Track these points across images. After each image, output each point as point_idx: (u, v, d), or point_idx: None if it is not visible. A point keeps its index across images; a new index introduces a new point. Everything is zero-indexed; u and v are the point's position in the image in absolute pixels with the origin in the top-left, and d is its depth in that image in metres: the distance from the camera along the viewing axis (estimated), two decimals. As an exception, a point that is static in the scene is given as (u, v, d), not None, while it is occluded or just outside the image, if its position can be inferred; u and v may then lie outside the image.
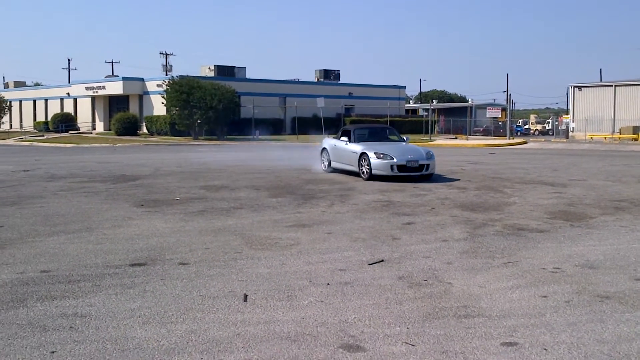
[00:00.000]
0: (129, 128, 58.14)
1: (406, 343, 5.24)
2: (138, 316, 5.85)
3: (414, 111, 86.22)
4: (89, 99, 69.06)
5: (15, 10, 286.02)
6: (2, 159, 28.94)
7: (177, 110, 52.25)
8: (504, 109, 70.15)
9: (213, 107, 50.59)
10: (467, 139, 55.47)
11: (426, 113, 71.72)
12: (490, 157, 30.63)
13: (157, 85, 58.15)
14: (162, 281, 7.06)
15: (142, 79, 63.90)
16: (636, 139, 57.83)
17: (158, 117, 57.95)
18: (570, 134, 67.35)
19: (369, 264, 7.92)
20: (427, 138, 53.56)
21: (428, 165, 17.74)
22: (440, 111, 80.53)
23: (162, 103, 54.35)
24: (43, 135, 60.73)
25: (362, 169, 17.86)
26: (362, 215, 11.72)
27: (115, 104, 67.27)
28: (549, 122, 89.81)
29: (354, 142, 18.87)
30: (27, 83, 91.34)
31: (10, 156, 31.55)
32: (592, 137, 62.04)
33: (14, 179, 18.43)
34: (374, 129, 21.45)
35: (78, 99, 70.67)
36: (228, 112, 52.40)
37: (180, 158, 28.45)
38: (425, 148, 19.38)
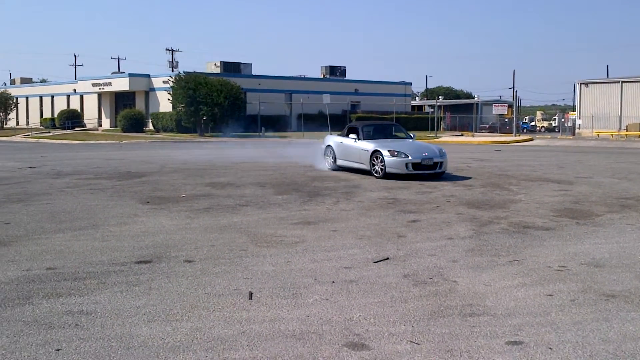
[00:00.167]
0: (135, 125, 58.19)
1: (411, 342, 5.24)
2: (143, 314, 5.87)
3: (420, 108, 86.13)
4: (95, 96, 69.15)
5: (22, 6, 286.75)
6: (9, 155, 29.03)
7: (183, 106, 52.29)
8: (510, 106, 70.01)
9: (219, 103, 50.62)
10: (473, 136, 55.40)
11: (432, 110, 71.65)
12: (496, 154, 30.57)
13: (163, 82, 58.12)
14: (167, 279, 7.07)
15: (148, 76, 63.93)
16: (643, 136, 57.58)
17: (164, 113, 57.98)
18: (577, 130, 67.15)
19: (374, 262, 7.92)
20: (433, 135, 53.48)
21: (442, 163, 17.63)
22: (446, 108, 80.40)
23: (168, 100, 54.39)
24: (49, 132, 60.87)
25: (374, 167, 17.63)
26: (367, 213, 11.71)
27: (122, 100, 67.33)
28: (555, 119, 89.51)
29: (364, 139, 18.62)
30: (33, 79, 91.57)
31: (16, 153, 31.64)
32: (598, 134, 61.84)
33: (20, 175, 18.49)
34: (381, 125, 21.32)
35: (84, 96, 70.77)
36: (234, 109, 52.42)
37: (186, 155, 28.48)
38: (437, 145, 19.33)
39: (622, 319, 5.82)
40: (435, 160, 17.43)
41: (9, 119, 72.71)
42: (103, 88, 66.21)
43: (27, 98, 78.59)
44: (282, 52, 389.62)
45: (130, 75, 64.16)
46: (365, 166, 18.09)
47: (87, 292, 6.55)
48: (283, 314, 5.92)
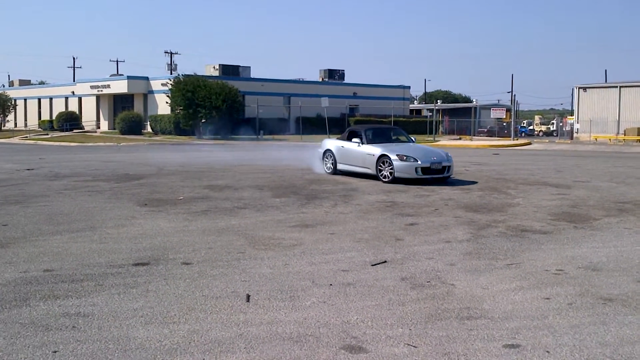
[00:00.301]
0: (133, 127, 58.18)
1: (408, 344, 5.24)
2: (140, 316, 5.86)
3: (418, 111, 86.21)
4: (94, 98, 69.15)
5: (21, 8, 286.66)
6: (7, 157, 29.00)
7: (181, 109, 52.30)
8: (508, 110, 70.09)
9: (217, 106, 50.64)
10: (471, 140, 55.43)
11: (430, 113, 71.73)
12: (494, 158, 30.59)
13: (162, 85, 58.16)
14: (165, 281, 7.07)
15: (146, 78, 63.96)
16: (641, 141, 57.67)
17: (162, 116, 57.99)
18: (575, 135, 67.19)
19: (372, 265, 7.92)
20: (431, 138, 53.50)
21: (449, 167, 17.56)
22: (445, 111, 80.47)
23: (167, 102, 54.40)
24: (47, 134, 60.83)
25: (382, 172, 17.32)
26: (365, 216, 11.72)
27: (120, 102, 67.33)
28: (553, 123, 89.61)
29: (368, 143, 18.31)
30: (32, 81, 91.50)
31: (14, 155, 31.62)
32: (596, 139, 61.90)
33: (18, 177, 18.47)
34: (383, 129, 21.07)
35: (83, 98, 70.75)
36: (232, 112, 52.44)
37: (184, 157, 28.48)
38: (442, 149, 19.29)
39: (620, 322, 5.83)
40: (444, 164, 17.34)
41: (7, 120, 72.67)
42: (101, 90, 66.21)
43: (25, 100, 78.59)
44: (281, 55, 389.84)
45: (128, 77, 64.19)
46: (371, 171, 17.82)
47: (84, 294, 6.54)
48: (280, 316, 5.92)
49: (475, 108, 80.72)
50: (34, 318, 5.76)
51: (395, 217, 11.58)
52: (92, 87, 67.31)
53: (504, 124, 72.15)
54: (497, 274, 7.58)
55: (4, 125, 72.13)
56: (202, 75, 56.03)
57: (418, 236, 9.83)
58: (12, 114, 74.13)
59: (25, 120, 78.43)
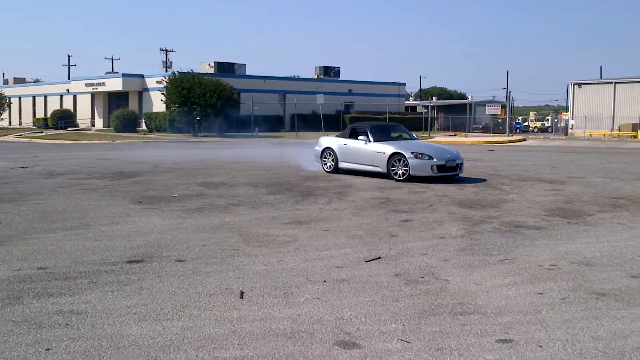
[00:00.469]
0: (128, 124, 58.10)
1: (401, 340, 5.25)
2: (134, 313, 5.86)
3: (414, 108, 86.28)
4: (89, 96, 69.03)
5: (16, 6, 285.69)
6: (1, 155, 28.92)
7: (176, 106, 52.24)
8: (503, 106, 70.12)
9: (212, 104, 50.60)
10: (466, 136, 55.49)
11: (425, 110, 71.77)
12: (489, 154, 30.63)
13: (157, 82, 58.05)
14: (158, 278, 7.06)
15: (142, 76, 63.86)
16: (635, 137, 57.84)
17: (157, 113, 57.91)
18: (570, 131, 67.29)
19: (366, 261, 7.93)
20: (426, 135, 53.56)
21: (461, 164, 17.48)
22: (440, 108, 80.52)
23: (162, 100, 54.33)
24: (42, 132, 60.69)
25: (394, 170, 16.99)
26: (360, 213, 11.72)
27: (115, 100, 67.21)
28: (548, 120, 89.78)
29: (375, 141, 17.95)
30: (26, 79, 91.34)
31: (8, 153, 31.53)
32: (591, 135, 61.99)
33: (12, 175, 18.43)
34: (387, 126, 20.69)
35: (77, 96, 70.64)
36: (227, 109, 52.40)
37: (179, 155, 28.44)
38: (449, 147, 19.20)
39: (612, 317, 5.84)
40: (457, 162, 17.23)
41: (2, 118, 72.41)
42: (96, 88, 66.09)
43: (20, 98, 78.43)
44: (277, 52, 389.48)
45: (123, 75, 64.08)
46: (381, 169, 17.49)
47: (77, 291, 6.53)
48: (274, 313, 5.92)
49: (471, 104, 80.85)
50: (27, 316, 5.76)
51: (389, 214, 11.59)
52: (87, 84, 67.19)
53: (499, 120, 72.23)
54: (491, 269, 7.60)
55: (-1, 123, 72.00)
56: (198, 73, 55.94)
57: (412, 232, 9.84)
58: (7, 112, 73.97)
59: (20, 118, 78.29)
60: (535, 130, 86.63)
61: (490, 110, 72.06)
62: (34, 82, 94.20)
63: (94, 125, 68.27)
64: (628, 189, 15.59)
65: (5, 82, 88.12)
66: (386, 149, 17.44)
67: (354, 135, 18.90)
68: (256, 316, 5.81)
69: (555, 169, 21.39)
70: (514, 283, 6.98)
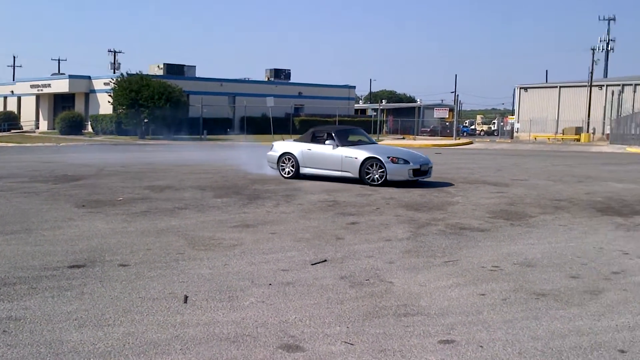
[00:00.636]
0: (74, 127, 57.12)
1: (345, 342, 5.27)
2: (74, 319, 5.75)
3: (363, 111, 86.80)
4: (34, 97, 67.66)
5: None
6: (-60, 158, 28.11)
7: (124, 109, 51.57)
8: (451, 110, 71.10)
9: (161, 106, 50.10)
10: (415, 139, 56.07)
11: (375, 113, 72.24)
12: (436, 157, 30.95)
13: (105, 84, 57.26)
14: (100, 283, 6.95)
15: (89, 77, 62.90)
16: (578, 140, 59.24)
17: (104, 115, 57.09)
18: (515, 134, 68.54)
19: (312, 264, 7.94)
20: (376, 138, 53.90)
21: (431, 168, 17.61)
22: (389, 111, 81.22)
23: (109, 102, 53.56)
24: (-16, 134, 59.19)
25: (369, 175, 16.77)
26: (307, 215, 11.73)
27: (61, 102, 66.03)
28: (494, 123, 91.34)
29: (343, 146, 17.60)
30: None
31: (-51, 155, 30.66)
32: (535, 138, 63.26)
33: (-49, 179, 17.91)
34: (349, 130, 20.20)
35: (22, 97, 69.17)
36: (176, 111, 51.95)
37: (126, 158, 28.06)
38: (416, 151, 19.26)
39: (551, 316, 5.97)
40: (429, 165, 17.39)
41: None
42: (42, 90, 64.84)
43: (-38, 100, 76.40)
44: (227, 54, 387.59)
45: (70, 76, 63.07)
46: (351, 174, 17.15)
47: (16, 297, 6.38)
48: (218, 317, 5.88)
49: (419, 108, 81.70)
50: (-38, 323, 5.60)
51: (336, 217, 11.63)
52: (32, 86, 65.87)
53: (447, 123, 73.21)
54: (435, 271, 7.68)
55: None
56: (146, 75, 55.33)
57: (359, 235, 9.89)
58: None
59: (-38, 120, 76.19)
60: (482, 133, 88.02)
61: (438, 113, 72.94)
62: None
63: (38, 128, 66.94)
64: (570, 191, 15.95)
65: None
66: (358, 153, 17.16)
67: (316, 139, 18.38)
68: (200, 320, 5.77)
69: (500, 172, 21.77)
70: (457, 284, 7.07)
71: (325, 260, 8.13)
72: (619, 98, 63.74)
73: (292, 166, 18.49)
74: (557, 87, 68.95)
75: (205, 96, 57.14)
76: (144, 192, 14.79)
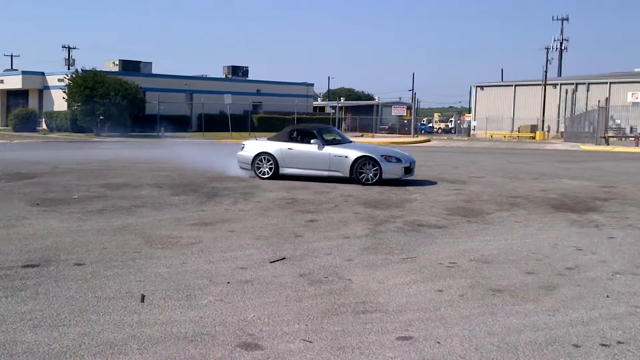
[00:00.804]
0: (28, 124, 56.02)
1: (304, 340, 5.27)
2: (29, 319, 5.65)
3: (322, 109, 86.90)
4: (-15, 94, 66.17)
5: None
6: None
7: (79, 105, 50.76)
8: (409, 108, 71.61)
9: (117, 102, 49.45)
10: (373, 137, 56.28)
11: (333, 110, 72.41)
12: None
13: (59, 80, 56.25)
14: (55, 282, 6.83)
15: (42, 73, 61.71)
16: (534, 137, 60.15)
17: (59, 112, 56.10)
18: (472, 132, 69.38)
19: (271, 262, 7.92)
20: (334, 135, 53.94)
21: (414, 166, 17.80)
22: (348, 109, 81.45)
23: (64, 98, 52.66)
24: None
25: (364, 174, 16.60)
26: (265, 213, 11.70)
27: (14, 99, 64.66)
28: (451, 121, 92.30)
29: (330, 145, 17.31)
30: None
31: None
32: (492, 135, 64.07)
33: None
34: (326, 129, 19.58)
35: (-27, 94, 67.57)
36: (132, 108, 51.34)
37: (81, 155, 27.63)
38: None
39: (507, 312, 6.05)
40: (414, 163, 17.57)
41: None
42: (-7, 86, 63.44)
43: None
44: (184, 51, 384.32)
45: (23, 72, 61.77)
46: (341, 174, 16.93)
47: (-32, 298, 6.24)
48: (176, 316, 5.83)
49: (378, 106, 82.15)
50: None
51: (295, 214, 11.62)
52: (-17, 82, 64.39)
53: (405, 121, 73.75)
54: (393, 268, 7.73)
55: None
56: (101, 71, 54.54)
57: (317, 232, 9.90)
58: None
59: None
60: (440, 131, 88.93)
61: (397, 111, 73.43)
62: None
63: (-10, 125, 65.47)
64: (525, 188, 16.20)
65: None
66: (348, 153, 16.99)
67: (296, 139, 17.89)
68: (157, 320, 5.71)
69: (457, 169, 22.00)
70: (415, 281, 7.13)
71: (284, 258, 8.12)
72: (572, 97, 64.96)
73: (270, 167, 17.75)
74: (512, 85, 69.95)
75: (162, 93, 56.58)
76: (99, 190, 14.59)
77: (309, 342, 5.23)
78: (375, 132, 66.64)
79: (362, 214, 11.67)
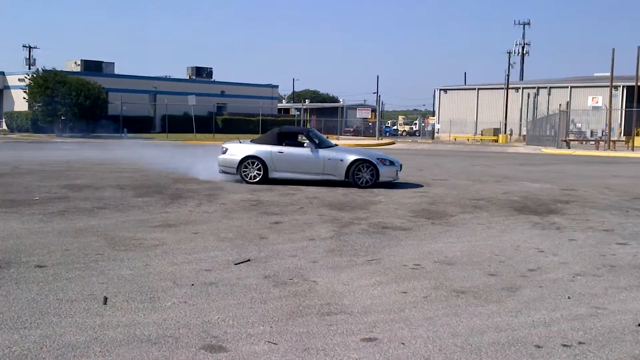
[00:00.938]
0: (-13, 124, 55.13)
1: (269, 342, 5.26)
2: (-12, 322, 5.54)
3: (287, 110, 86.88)
4: (-57, 93, 64.85)
5: None
6: None
7: (40, 106, 50.07)
8: (373, 110, 71.92)
9: (79, 103, 48.87)
10: (338, 139, 56.37)
11: (298, 112, 72.47)
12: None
13: (19, 80, 55.47)
14: (16, 285, 6.72)
15: (2, 73, 60.80)
16: (496, 141, 60.86)
17: (19, 113, 55.31)
18: (436, 135, 69.96)
19: (235, 264, 7.89)
20: (299, 138, 53.99)
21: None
22: (312, 111, 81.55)
23: (24, 98, 51.88)
24: None
25: (361, 177, 16.54)
26: (230, 215, 11.66)
27: (-28, 98, 63.55)
28: (416, 124, 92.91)
29: (322, 148, 17.07)
30: None
31: None
32: (455, 138, 64.67)
33: None
34: (314, 132, 18.98)
35: None
36: (94, 109, 50.78)
37: (42, 156, 27.23)
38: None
39: (471, 313, 6.11)
40: (401, 166, 17.73)
41: None
42: (-49, 85, 62.21)
43: None
44: (147, 51, 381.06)
45: (-18, 72, 60.72)
46: (336, 177, 16.78)
47: None
48: (139, 318, 5.77)
49: (342, 108, 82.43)
50: None
51: (260, 216, 11.59)
52: (-59, 81, 63.12)
53: (370, 123, 74.05)
54: (358, 270, 7.75)
55: None
56: (63, 71, 53.86)
57: (282, 234, 9.88)
58: None
59: None
60: (404, 133, 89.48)
61: (361, 113, 73.68)
62: None
63: (-52, 125, 64.17)
64: (488, 190, 16.37)
65: None
66: (344, 156, 16.92)
67: (285, 141, 17.42)
68: (120, 322, 5.65)
69: (421, 172, 22.15)
70: (380, 283, 7.16)
71: (249, 260, 8.09)
72: (534, 100, 65.91)
73: (259, 171, 17.03)
74: (475, 89, 70.72)
75: (125, 94, 56.04)
76: (61, 191, 14.39)
77: (274, 343, 5.22)
78: (340, 135, 66.84)
79: (327, 216, 11.69)
